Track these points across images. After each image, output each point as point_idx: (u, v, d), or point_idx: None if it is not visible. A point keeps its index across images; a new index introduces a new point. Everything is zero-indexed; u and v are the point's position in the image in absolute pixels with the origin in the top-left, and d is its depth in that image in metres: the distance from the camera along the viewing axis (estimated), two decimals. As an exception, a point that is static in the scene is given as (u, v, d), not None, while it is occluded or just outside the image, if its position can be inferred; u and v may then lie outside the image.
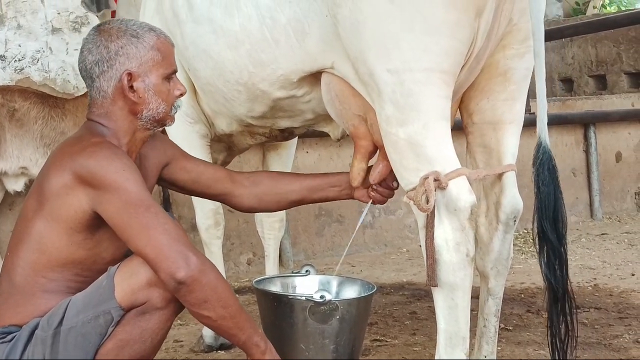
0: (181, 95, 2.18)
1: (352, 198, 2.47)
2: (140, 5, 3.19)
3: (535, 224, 2.15)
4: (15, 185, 4.16)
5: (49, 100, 4.14)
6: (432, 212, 2.04)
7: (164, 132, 2.52)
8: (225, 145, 3.18)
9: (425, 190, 2.02)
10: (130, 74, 2.08)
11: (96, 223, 2.01)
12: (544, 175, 2.11)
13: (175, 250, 1.92)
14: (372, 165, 2.38)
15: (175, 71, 2.17)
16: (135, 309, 1.98)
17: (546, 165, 2.11)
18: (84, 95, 4.18)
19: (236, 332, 2.01)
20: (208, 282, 1.94)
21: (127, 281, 1.97)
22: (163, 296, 1.98)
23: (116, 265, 2.01)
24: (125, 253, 2.09)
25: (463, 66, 2.14)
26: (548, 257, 2.12)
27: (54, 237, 2.01)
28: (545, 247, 2.12)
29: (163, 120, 2.16)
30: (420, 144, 2.06)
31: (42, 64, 4.77)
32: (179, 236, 1.95)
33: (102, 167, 1.96)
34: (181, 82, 2.21)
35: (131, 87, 2.09)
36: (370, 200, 2.42)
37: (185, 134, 2.84)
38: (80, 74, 2.15)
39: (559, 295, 2.12)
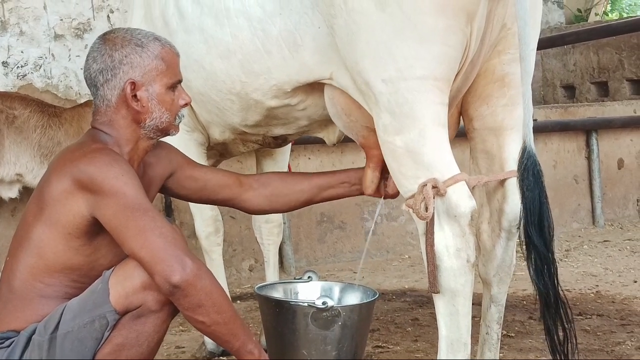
0: (186, 105, 2.18)
1: (363, 194, 2.45)
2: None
3: (521, 230, 2.13)
4: (10, 192, 4.17)
5: (48, 109, 4.14)
6: (432, 219, 2.04)
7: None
8: (216, 152, 3.18)
9: (424, 198, 2.02)
10: (133, 83, 2.09)
11: (95, 229, 2.01)
12: (529, 181, 2.08)
13: (171, 253, 1.91)
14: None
15: (180, 81, 2.17)
16: (130, 312, 1.98)
17: (531, 171, 2.08)
18: (82, 105, 4.19)
19: (230, 338, 2.00)
20: (203, 287, 1.93)
21: (122, 284, 1.97)
22: (158, 299, 1.98)
23: (111, 269, 2.01)
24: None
25: (458, 72, 2.13)
26: (535, 263, 2.10)
27: (52, 242, 2.01)
28: (533, 253, 2.10)
29: (167, 130, 2.17)
30: (418, 151, 2.06)
31: (44, 71, 4.78)
32: (176, 240, 1.94)
33: (101, 173, 1.96)
34: None
35: (134, 96, 2.09)
36: (382, 196, 2.41)
37: (183, 143, 2.84)
38: (85, 81, 2.15)
39: (550, 301, 2.10)
